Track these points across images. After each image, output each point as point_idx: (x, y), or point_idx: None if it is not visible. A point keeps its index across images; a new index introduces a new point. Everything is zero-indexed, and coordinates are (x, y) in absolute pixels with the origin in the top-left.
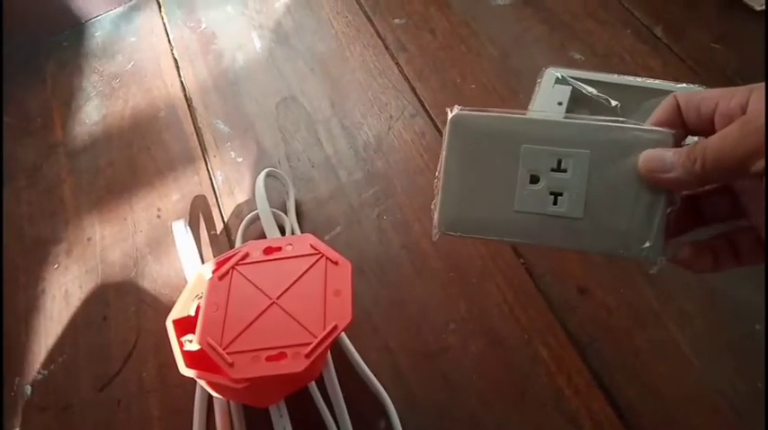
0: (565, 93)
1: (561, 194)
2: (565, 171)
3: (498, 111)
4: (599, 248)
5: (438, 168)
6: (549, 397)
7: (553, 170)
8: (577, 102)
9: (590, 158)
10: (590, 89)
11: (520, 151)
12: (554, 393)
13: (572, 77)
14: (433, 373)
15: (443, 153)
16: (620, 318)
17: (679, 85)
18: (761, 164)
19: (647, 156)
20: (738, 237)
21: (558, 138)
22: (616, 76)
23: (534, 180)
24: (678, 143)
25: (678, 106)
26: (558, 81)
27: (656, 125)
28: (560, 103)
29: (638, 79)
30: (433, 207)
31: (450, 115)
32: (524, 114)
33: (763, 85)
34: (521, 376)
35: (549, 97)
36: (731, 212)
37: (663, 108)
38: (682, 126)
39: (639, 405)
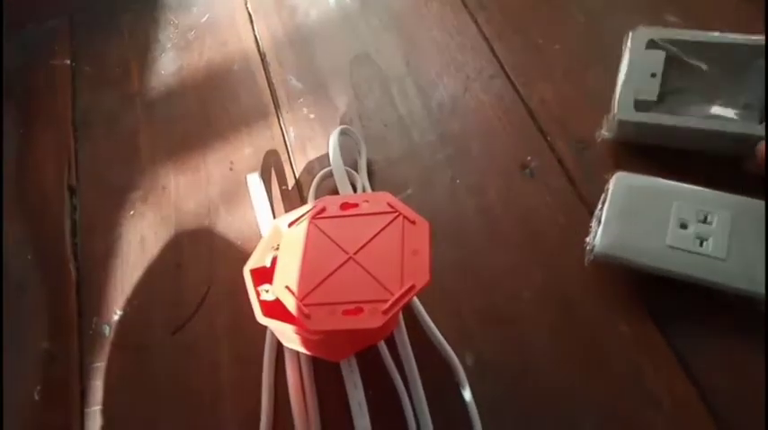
0: (658, 60)
1: (707, 239)
2: (710, 224)
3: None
4: (737, 286)
5: (597, 210)
6: (628, 375)
7: (700, 221)
8: (674, 69)
9: (732, 216)
10: (688, 56)
11: (672, 206)
12: (634, 369)
13: (666, 39)
14: (504, 340)
15: (608, 200)
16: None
17: None
18: None
19: None
20: None
21: (705, 200)
22: (717, 33)
23: (683, 226)
24: None
25: None
26: (651, 44)
27: None
28: (654, 75)
29: (743, 36)
30: (586, 243)
31: (612, 176)
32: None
33: None
34: (598, 351)
35: (640, 65)
36: None
37: None
38: None
39: (723, 386)
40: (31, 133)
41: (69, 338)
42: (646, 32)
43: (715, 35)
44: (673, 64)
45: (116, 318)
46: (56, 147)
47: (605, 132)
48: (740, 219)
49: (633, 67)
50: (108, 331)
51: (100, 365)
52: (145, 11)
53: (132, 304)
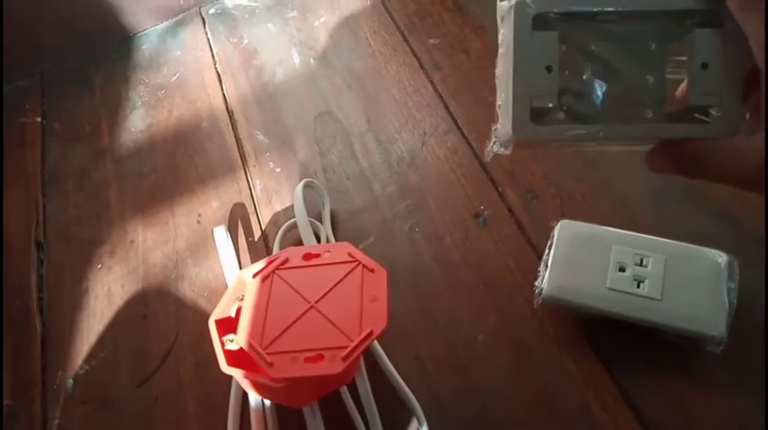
0: (551, 46)
1: (643, 281)
2: (646, 266)
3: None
4: (672, 324)
5: (545, 255)
6: (576, 410)
7: (637, 265)
8: (571, 52)
9: (665, 260)
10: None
11: (611, 251)
12: (582, 407)
13: (559, 13)
14: (462, 383)
15: (554, 246)
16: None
17: None
18: None
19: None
20: None
21: (640, 245)
22: None
23: (622, 269)
24: None
25: None
26: (539, 23)
27: None
28: (549, 69)
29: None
30: (535, 286)
31: (558, 224)
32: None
33: None
34: (549, 389)
35: (530, 57)
36: None
37: None
38: None
39: (665, 423)
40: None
41: (32, 394)
42: (527, 5)
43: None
44: (570, 45)
45: (81, 372)
46: (24, 202)
47: (497, 149)
48: (673, 262)
49: (522, 61)
50: (72, 385)
51: (63, 422)
52: (116, 70)
53: (98, 357)
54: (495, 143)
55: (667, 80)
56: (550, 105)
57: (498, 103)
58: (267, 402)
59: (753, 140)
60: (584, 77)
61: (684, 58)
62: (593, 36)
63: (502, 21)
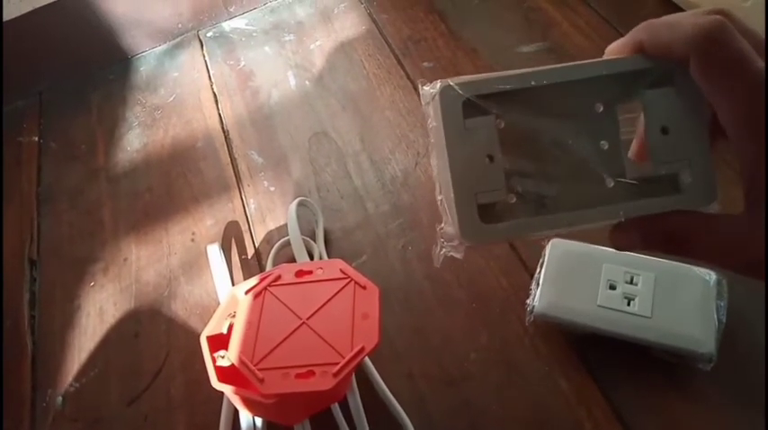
0: (490, 133)
1: (633, 299)
2: (636, 284)
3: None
4: (662, 342)
5: (536, 273)
6: (568, 428)
7: (627, 283)
8: (510, 136)
9: (655, 277)
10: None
11: (602, 269)
12: (574, 425)
13: (484, 95)
14: (453, 401)
15: (545, 264)
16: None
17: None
18: None
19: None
20: None
21: (630, 263)
22: (555, 66)
23: (612, 287)
24: None
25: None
26: (469, 108)
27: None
28: (491, 158)
29: (597, 61)
30: (527, 304)
31: (549, 242)
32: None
33: None
34: (541, 407)
35: (467, 148)
36: None
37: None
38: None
39: None
40: None
41: (21, 412)
42: (453, 90)
43: (553, 69)
44: (508, 122)
45: (72, 390)
46: (18, 220)
47: (446, 252)
48: (662, 280)
49: (457, 154)
50: (62, 403)
51: None
52: (114, 90)
53: (88, 375)
54: (443, 247)
55: (623, 142)
56: (502, 199)
57: (439, 197)
58: (258, 421)
59: (750, 222)
60: (531, 154)
61: (636, 115)
62: (533, 110)
63: (428, 107)
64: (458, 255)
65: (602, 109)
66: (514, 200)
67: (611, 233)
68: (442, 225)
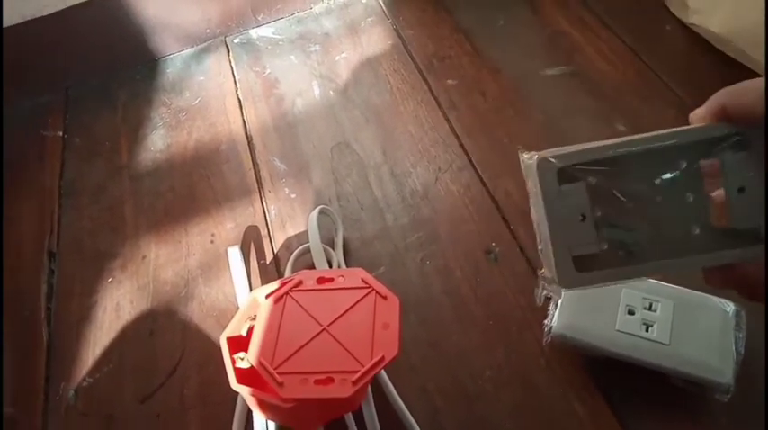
0: (581, 196)
1: (652, 325)
2: (655, 311)
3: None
4: (679, 369)
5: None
6: None
7: (645, 309)
8: (600, 194)
9: (674, 305)
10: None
11: (621, 293)
12: None
13: (580, 164)
14: (467, 417)
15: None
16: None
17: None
18: None
19: None
20: None
21: (649, 290)
22: (638, 136)
23: (631, 313)
24: None
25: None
26: (563, 176)
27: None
28: (584, 218)
29: (680, 130)
30: (544, 325)
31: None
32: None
33: None
34: (554, 428)
35: (561, 211)
36: None
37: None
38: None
39: None
40: (15, 199)
41: (34, 404)
42: (549, 162)
43: (637, 138)
44: (599, 184)
45: (85, 384)
46: (39, 212)
47: (547, 294)
48: (681, 309)
49: (554, 214)
50: (75, 397)
51: None
52: (140, 90)
53: (102, 371)
54: (544, 288)
55: (706, 195)
56: (594, 251)
57: (539, 247)
58: (272, 426)
59: None
60: (620, 209)
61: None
62: (621, 172)
63: (527, 173)
64: (557, 297)
65: (684, 164)
66: (606, 248)
67: (704, 274)
68: (543, 270)
